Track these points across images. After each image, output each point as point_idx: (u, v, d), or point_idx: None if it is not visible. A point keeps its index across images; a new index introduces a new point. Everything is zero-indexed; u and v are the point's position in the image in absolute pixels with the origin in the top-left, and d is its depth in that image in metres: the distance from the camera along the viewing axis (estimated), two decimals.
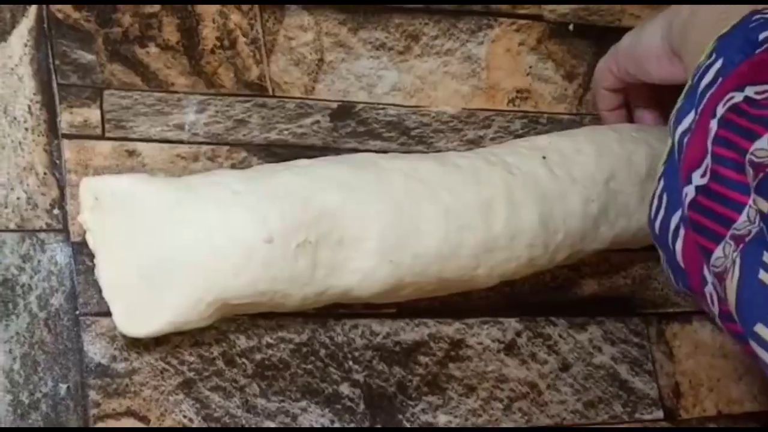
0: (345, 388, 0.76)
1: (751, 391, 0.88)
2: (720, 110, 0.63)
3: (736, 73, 0.64)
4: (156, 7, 0.79)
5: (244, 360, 0.74)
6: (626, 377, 0.85)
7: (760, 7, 0.67)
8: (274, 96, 0.81)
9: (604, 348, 0.85)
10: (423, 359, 0.79)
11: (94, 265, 0.70)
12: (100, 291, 0.70)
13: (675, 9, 0.76)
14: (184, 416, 0.71)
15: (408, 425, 0.77)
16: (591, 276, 0.86)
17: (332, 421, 0.75)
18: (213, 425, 0.72)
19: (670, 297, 0.88)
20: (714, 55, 0.66)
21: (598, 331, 0.85)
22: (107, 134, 0.75)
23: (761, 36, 0.64)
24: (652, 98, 0.87)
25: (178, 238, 0.69)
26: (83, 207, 0.70)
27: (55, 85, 0.75)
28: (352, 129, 0.82)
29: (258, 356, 0.75)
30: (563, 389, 0.82)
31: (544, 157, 0.80)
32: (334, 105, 0.82)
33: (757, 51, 0.64)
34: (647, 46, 0.79)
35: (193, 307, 0.69)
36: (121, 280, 0.69)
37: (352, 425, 0.75)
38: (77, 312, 0.71)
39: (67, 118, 0.74)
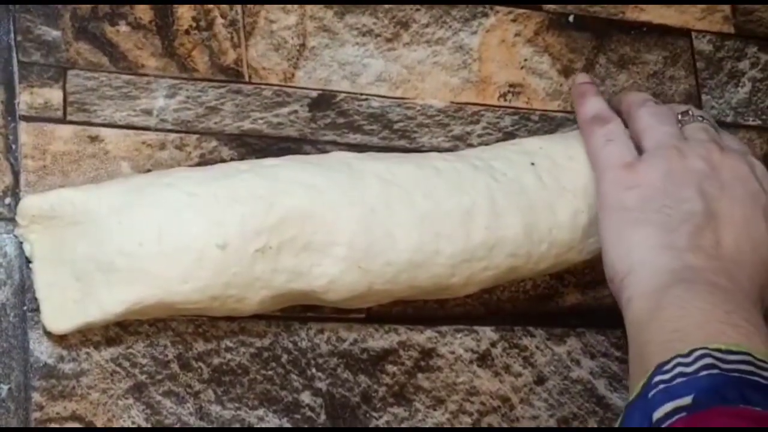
0: (306, 397, 0.73)
1: None
2: None
3: None
4: None
5: (200, 364, 0.71)
6: (604, 393, 0.81)
7: (666, 358, 0.64)
8: (250, 82, 0.77)
9: (582, 361, 0.81)
10: (391, 368, 0.75)
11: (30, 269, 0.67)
12: None
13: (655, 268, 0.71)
14: (133, 422, 0.68)
15: None
16: (574, 285, 0.82)
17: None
18: None
19: None
20: None
21: (577, 343, 0.82)
22: (69, 117, 0.71)
23: (656, 415, 0.62)
24: None
25: (121, 242, 0.65)
26: (20, 225, 0.67)
27: (15, 62, 0.71)
28: (332, 120, 0.78)
29: (216, 360, 0.71)
30: (537, 404, 0.79)
31: (532, 164, 0.77)
32: (314, 94, 0.78)
33: None
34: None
35: (127, 308, 0.66)
36: (56, 281, 0.66)
37: None
38: (25, 307, 0.67)
39: (26, 99, 0.70)
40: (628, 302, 0.71)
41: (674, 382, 0.62)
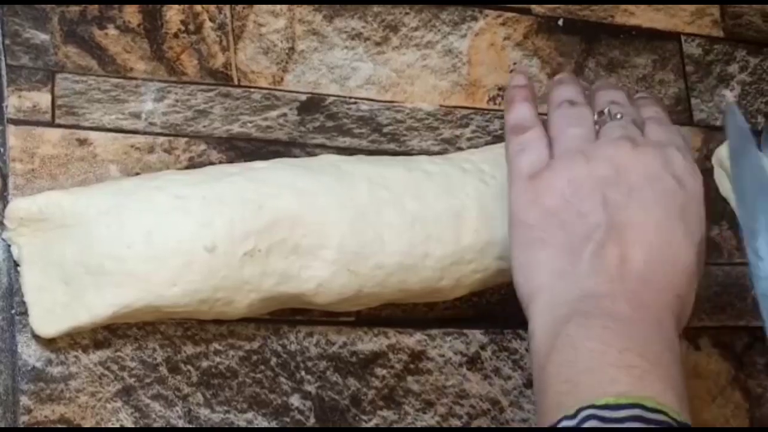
0: (295, 400, 0.73)
1: (723, 414, 0.85)
2: None
3: None
4: None
5: (189, 367, 0.71)
6: None
7: (554, 420, 0.62)
8: (239, 86, 0.77)
9: None
10: (380, 371, 0.75)
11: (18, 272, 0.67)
12: None
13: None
14: (121, 425, 0.68)
15: None
16: None
17: None
18: None
19: None
20: None
21: None
22: (57, 121, 0.71)
23: None
24: None
25: (109, 245, 0.65)
26: (8, 228, 0.67)
27: (3, 66, 0.71)
28: (321, 124, 0.78)
29: (204, 363, 0.71)
30: (526, 407, 0.79)
31: None
32: (303, 97, 0.78)
33: None
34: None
35: (116, 312, 0.66)
36: (44, 284, 0.66)
37: None
38: (13, 311, 0.67)
39: (14, 102, 0.70)
40: (531, 336, 0.67)
41: None
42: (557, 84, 0.77)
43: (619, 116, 0.71)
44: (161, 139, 0.74)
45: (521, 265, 0.69)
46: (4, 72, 0.71)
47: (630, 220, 0.67)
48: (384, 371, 0.75)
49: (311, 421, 0.73)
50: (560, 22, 0.88)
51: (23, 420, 0.66)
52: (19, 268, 0.67)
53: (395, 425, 0.75)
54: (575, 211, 0.67)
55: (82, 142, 0.71)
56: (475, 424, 0.77)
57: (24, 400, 0.66)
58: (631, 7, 0.90)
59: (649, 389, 0.61)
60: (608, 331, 0.64)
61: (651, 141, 0.70)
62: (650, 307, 0.66)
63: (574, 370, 0.63)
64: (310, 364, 0.74)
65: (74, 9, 0.73)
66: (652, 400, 0.61)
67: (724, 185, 0.89)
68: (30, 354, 0.67)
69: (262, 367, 0.72)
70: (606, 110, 0.72)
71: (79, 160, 0.71)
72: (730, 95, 0.88)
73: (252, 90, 0.77)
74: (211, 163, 0.74)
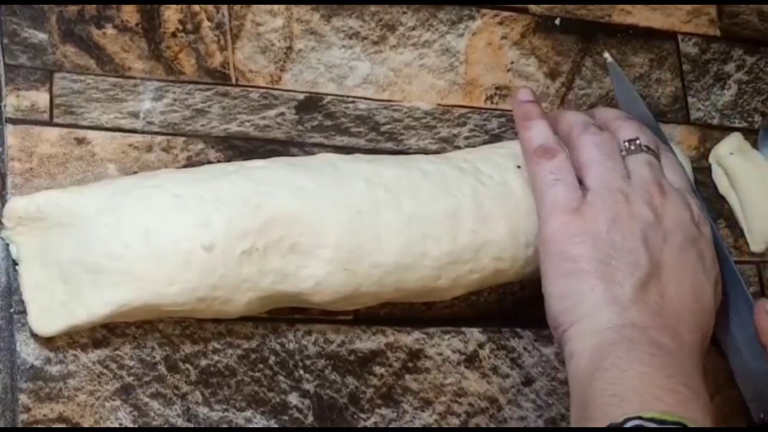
0: (294, 398, 0.73)
1: (722, 413, 0.85)
2: None
3: None
4: None
5: (188, 365, 0.71)
6: None
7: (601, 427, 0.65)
8: (237, 85, 0.77)
9: None
10: (378, 370, 0.75)
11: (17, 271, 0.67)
12: None
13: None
14: (120, 424, 0.68)
15: None
16: None
17: None
18: None
19: None
20: None
21: None
22: (55, 120, 0.71)
23: None
24: None
25: (108, 244, 0.65)
26: (6, 227, 0.67)
27: (1, 65, 0.71)
28: (319, 123, 0.78)
29: (203, 362, 0.71)
30: (524, 405, 0.79)
31: (518, 167, 0.77)
32: (301, 96, 0.78)
33: None
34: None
35: (114, 310, 0.66)
36: (42, 283, 0.66)
37: None
38: (12, 310, 0.67)
39: (12, 102, 0.70)
40: (570, 357, 0.70)
41: None
42: (566, 111, 0.80)
43: (646, 148, 0.76)
44: (159, 138, 0.74)
45: (561, 295, 0.71)
46: (2, 71, 0.71)
47: (665, 262, 0.72)
48: (382, 370, 0.76)
49: (310, 420, 0.73)
50: (557, 22, 0.88)
51: (22, 419, 0.66)
52: (17, 267, 0.67)
53: (393, 424, 0.75)
54: (619, 248, 0.71)
55: (81, 141, 0.72)
56: (473, 422, 0.77)
57: (23, 398, 0.66)
58: (628, 7, 0.91)
59: (692, 414, 0.65)
60: (656, 358, 0.67)
61: (674, 188, 0.75)
62: (687, 343, 0.70)
63: (622, 387, 0.66)
64: (308, 362, 0.74)
65: (72, 8, 0.73)
66: (694, 422, 0.64)
67: (722, 183, 0.89)
68: (29, 353, 0.67)
69: (261, 366, 0.72)
70: (638, 140, 0.76)
71: (78, 159, 0.71)
72: (608, 56, 0.88)
73: (250, 89, 0.77)
74: (209, 162, 0.74)
